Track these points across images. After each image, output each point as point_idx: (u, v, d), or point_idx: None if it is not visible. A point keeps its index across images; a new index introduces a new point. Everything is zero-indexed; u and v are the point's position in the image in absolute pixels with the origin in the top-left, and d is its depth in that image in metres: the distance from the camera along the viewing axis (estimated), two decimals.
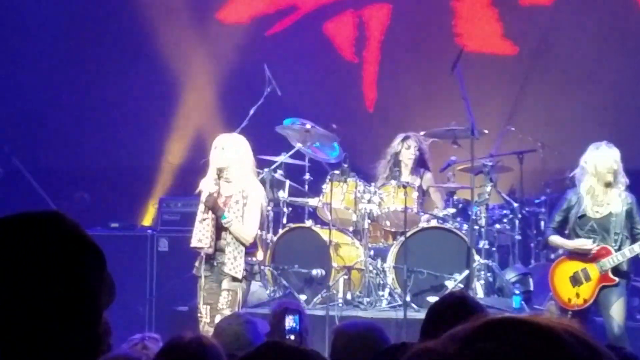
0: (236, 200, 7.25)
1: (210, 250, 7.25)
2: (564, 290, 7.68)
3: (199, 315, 7.35)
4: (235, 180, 7.28)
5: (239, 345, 4.75)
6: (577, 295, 7.57)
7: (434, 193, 9.66)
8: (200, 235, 7.25)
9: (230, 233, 7.23)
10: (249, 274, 7.37)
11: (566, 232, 7.76)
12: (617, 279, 7.52)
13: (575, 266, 7.67)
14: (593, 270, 7.57)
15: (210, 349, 3.59)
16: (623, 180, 7.60)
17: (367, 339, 4.34)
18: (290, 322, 5.49)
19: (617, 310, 7.49)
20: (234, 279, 7.23)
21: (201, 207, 7.28)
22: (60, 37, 12.26)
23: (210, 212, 7.25)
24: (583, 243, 7.58)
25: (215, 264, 7.30)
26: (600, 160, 7.55)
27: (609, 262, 7.50)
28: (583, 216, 7.62)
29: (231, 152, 7.25)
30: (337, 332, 4.60)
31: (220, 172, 7.24)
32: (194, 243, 7.28)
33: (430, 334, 2.96)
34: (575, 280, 7.63)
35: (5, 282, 1.70)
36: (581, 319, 7.57)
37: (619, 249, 7.53)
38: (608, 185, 7.56)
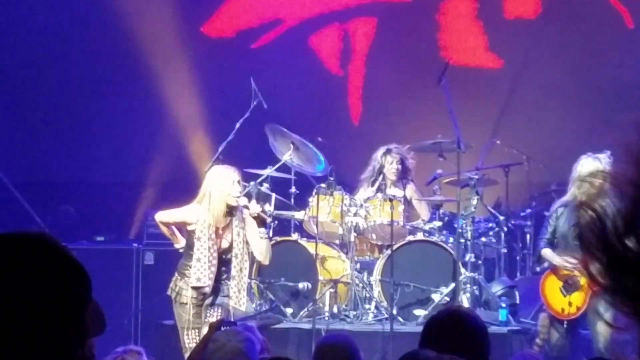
0: (237, 232, 7.25)
1: (208, 290, 7.15)
2: (556, 301, 7.70)
3: (187, 343, 7.11)
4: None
5: None
6: (570, 304, 7.60)
7: (417, 203, 9.64)
8: (199, 274, 7.11)
9: (235, 267, 7.17)
10: None
11: (555, 240, 7.76)
12: None
13: (564, 276, 7.68)
14: (582, 276, 7.57)
15: None
16: None
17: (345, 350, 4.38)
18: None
19: (603, 328, 7.48)
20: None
21: (197, 244, 7.13)
22: (46, 52, 12.22)
23: (209, 244, 7.14)
24: (566, 261, 7.60)
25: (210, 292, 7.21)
26: (583, 165, 7.51)
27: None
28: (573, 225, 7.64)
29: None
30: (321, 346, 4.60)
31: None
32: (193, 282, 7.13)
33: (429, 347, 2.99)
34: (566, 290, 7.65)
35: None
36: (575, 328, 7.63)
37: None
38: None
